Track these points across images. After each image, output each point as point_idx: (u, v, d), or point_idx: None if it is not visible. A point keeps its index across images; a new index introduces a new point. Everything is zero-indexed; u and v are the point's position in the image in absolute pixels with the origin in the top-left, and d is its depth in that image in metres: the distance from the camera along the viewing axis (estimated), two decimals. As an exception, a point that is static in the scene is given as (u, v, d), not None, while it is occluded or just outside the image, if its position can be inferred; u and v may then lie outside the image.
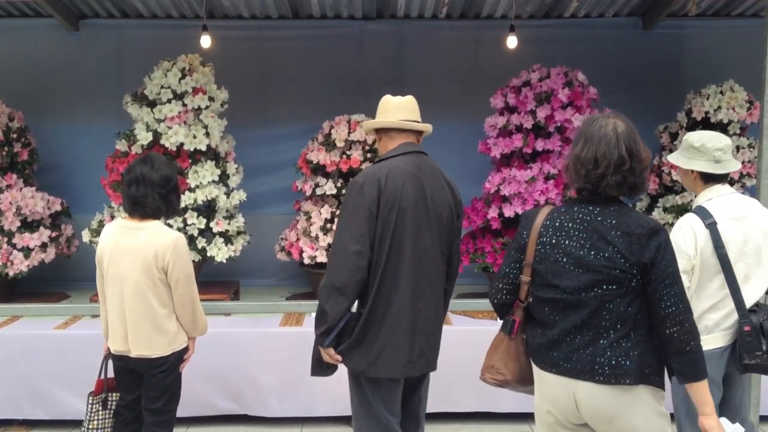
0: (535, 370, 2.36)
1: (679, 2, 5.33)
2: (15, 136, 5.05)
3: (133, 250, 2.93)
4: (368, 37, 5.73)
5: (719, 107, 4.91)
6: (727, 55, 5.53)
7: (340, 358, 2.75)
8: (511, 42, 5.08)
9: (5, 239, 4.82)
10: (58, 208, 5.11)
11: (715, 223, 2.76)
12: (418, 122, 2.94)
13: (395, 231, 2.70)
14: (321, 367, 2.84)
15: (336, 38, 5.69)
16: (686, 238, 2.76)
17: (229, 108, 4.98)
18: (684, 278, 2.66)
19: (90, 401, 3.19)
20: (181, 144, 4.66)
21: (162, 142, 4.63)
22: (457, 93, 5.60)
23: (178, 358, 3.07)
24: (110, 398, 3.20)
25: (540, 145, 4.74)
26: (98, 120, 5.46)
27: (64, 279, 5.38)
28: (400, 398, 2.89)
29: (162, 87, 4.70)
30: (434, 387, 4.33)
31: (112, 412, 3.21)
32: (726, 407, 2.92)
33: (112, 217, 4.79)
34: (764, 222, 2.85)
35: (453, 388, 4.11)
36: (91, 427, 3.19)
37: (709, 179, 2.88)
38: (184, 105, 4.70)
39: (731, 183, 4.96)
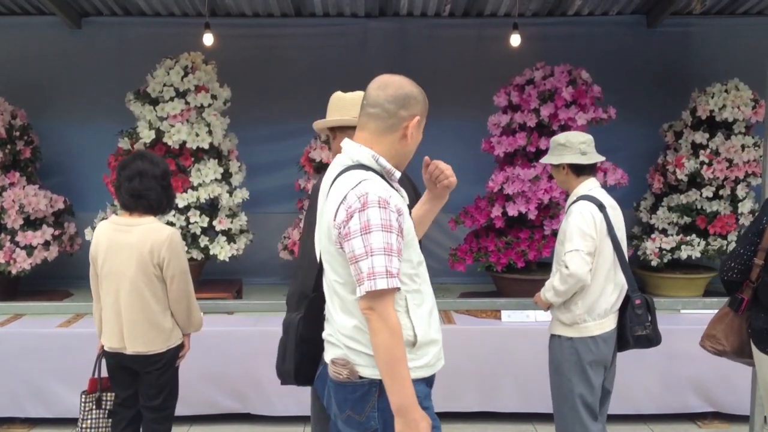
0: (755, 351, 2.52)
1: (683, 0, 5.30)
2: (18, 134, 5.05)
3: (129, 246, 2.91)
4: (371, 35, 5.71)
5: (724, 106, 4.89)
6: (732, 53, 5.50)
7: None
8: (515, 40, 5.06)
9: (8, 237, 4.81)
10: (61, 206, 5.10)
11: (605, 207, 3.00)
12: None
13: None
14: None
15: (339, 36, 5.68)
16: (588, 222, 2.95)
17: (231, 106, 4.97)
18: (588, 259, 2.92)
19: (83, 400, 3.18)
20: (184, 142, 4.65)
21: (165, 140, 4.63)
22: (460, 91, 5.58)
23: (174, 355, 3.05)
24: (105, 398, 3.18)
25: (544, 143, 4.72)
26: (101, 118, 5.45)
27: (67, 277, 5.38)
28: None
29: (164, 85, 4.69)
30: (437, 386, 4.33)
31: (107, 412, 3.19)
32: (603, 387, 3.08)
33: (115, 215, 4.78)
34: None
35: (456, 387, 4.10)
36: (84, 426, 3.18)
37: (581, 172, 3.10)
38: (187, 103, 4.69)
39: (737, 182, 4.94)
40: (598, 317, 2.98)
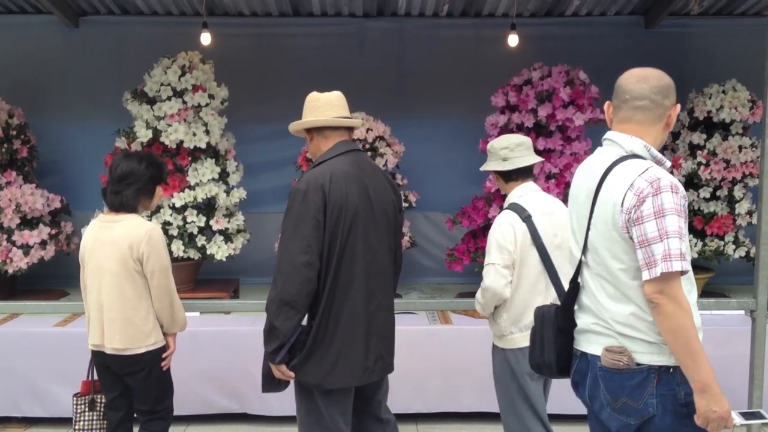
0: None
1: (681, 1, 5.31)
2: (15, 133, 5.04)
3: (111, 242, 2.95)
4: (369, 35, 5.71)
5: (721, 107, 4.89)
6: (729, 54, 5.51)
7: (292, 374, 2.65)
8: (513, 40, 5.06)
9: (5, 236, 4.80)
10: (57, 205, 5.09)
11: (530, 216, 2.92)
12: (350, 118, 2.86)
13: (344, 237, 2.62)
14: (272, 383, 2.74)
15: (336, 36, 5.68)
16: (506, 234, 2.91)
17: (229, 106, 4.96)
18: (506, 273, 2.89)
19: (75, 402, 3.19)
20: (181, 141, 4.64)
21: (162, 139, 4.62)
22: (458, 91, 5.58)
23: (154, 358, 3.02)
24: (98, 400, 3.19)
25: (541, 144, 4.72)
26: (98, 117, 5.44)
27: (64, 276, 5.36)
28: (352, 404, 2.83)
29: (162, 84, 4.68)
30: (435, 387, 4.34)
31: (101, 414, 3.19)
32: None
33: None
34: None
35: (454, 387, 4.10)
36: (77, 428, 3.19)
37: (509, 178, 3.05)
38: (184, 102, 4.69)
39: (734, 182, 4.95)
40: (525, 329, 2.91)
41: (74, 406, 3.20)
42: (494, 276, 2.90)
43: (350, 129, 2.86)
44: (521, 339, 2.93)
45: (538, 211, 2.95)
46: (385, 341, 2.82)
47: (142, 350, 2.98)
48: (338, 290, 2.64)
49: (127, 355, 2.96)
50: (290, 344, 2.62)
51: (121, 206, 3.01)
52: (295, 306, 2.55)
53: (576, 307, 2.21)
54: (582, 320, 2.16)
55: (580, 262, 2.16)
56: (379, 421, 2.96)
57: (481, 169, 3.17)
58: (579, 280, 2.18)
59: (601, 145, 2.23)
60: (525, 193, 3.02)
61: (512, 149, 3.02)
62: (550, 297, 2.94)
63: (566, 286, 2.87)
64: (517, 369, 2.97)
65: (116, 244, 2.93)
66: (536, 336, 2.31)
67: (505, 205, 3.05)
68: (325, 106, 2.81)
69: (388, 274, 2.83)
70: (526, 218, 2.92)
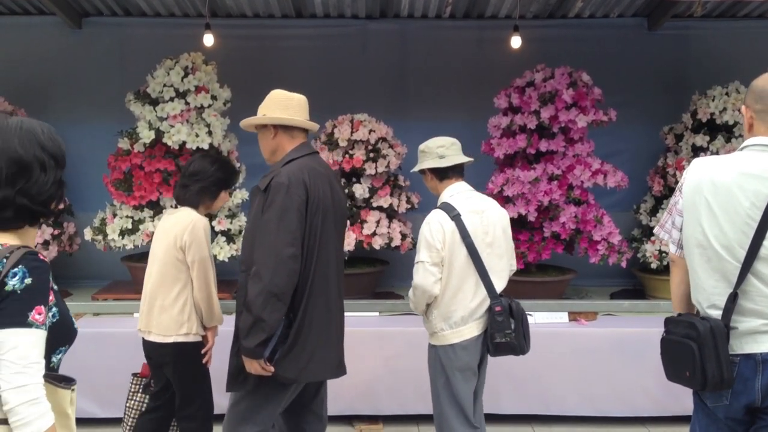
0: None
1: (684, 3, 5.30)
2: None
3: (163, 231, 3.11)
4: (371, 37, 5.71)
5: (725, 109, 4.88)
6: (732, 56, 5.49)
7: (272, 369, 2.64)
8: (515, 42, 5.05)
9: None
10: (60, 205, 5.09)
11: (459, 215, 2.99)
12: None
13: (321, 232, 2.67)
14: (237, 381, 2.72)
15: (339, 37, 5.67)
16: (434, 232, 2.98)
17: (231, 107, 4.96)
18: (435, 270, 2.95)
19: (132, 380, 3.33)
20: (184, 142, 4.64)
21: (164, 140, 4.62)
22: (461, 93, 5.57)
23: (183, 351, 3.05)
24: (152, 385, 3.27)
25: (544, 145, 4.72)
26: (101, 118, 5.45)
27: (67, 277, 5.37)
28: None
29: (165, 85, 4.69)
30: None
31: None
32: (475, 392, 3.15)
33: (114, 215, 4.78)
34: (502, 218, 3.16)
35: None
36: (128, 406, 3.32)
37: (443, 176, 3.14)
38: (187, 103, 4.69)
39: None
40: (455, 325, 3.00)
41: (131, 384, 3.33)
42: (423, 274, 2.97)
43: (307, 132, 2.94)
44: (452, 336, 3.02)
45: (468, 210, 3.03)
46: (342, 337, 2.89)
47: (171, 339, 3.02)
48: (317, 284, 2.68)
49: (158, 343, 3.04)
50: (277, 337, 2.62)
51: (183, 200, 3.15)
52: (281, 298, 2.57)
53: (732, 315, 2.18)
54: (745, 324, 2.15)
55: (743, 268, 2.14)
56: (320, 420, 2.99)
57: (415, 169, 3.22)
58: (742, 286, 2.14)
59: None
60: (456, 192, 3.11)
61: (448, 147, 3.13)
62: (480, 295, 3.02)
63: (497, 284, 3.02)
64: (447, 365, 3.04)
65: (167, 233, 3.06)
66: (710, 354, 2.15)
67: (438, 204, 3.12)
68: (298, 108, 2.87)
69: (342, 274, 2.91)
70: (455, 216, 2.98)
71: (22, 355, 1.56)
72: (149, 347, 3.09)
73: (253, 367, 2.63)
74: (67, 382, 1.71)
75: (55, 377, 1.69)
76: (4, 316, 1.58)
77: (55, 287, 1.76)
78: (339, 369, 2.84)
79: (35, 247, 1.74)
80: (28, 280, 1.61)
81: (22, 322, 1.58)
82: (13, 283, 1.60)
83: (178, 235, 3.01)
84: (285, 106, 2.85)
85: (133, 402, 3.32)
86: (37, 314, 1.60)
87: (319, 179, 2.70)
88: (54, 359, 1.74)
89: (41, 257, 1.69)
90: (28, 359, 1.57)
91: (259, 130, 2.92)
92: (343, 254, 2.96)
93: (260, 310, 2.54)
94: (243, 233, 2.87)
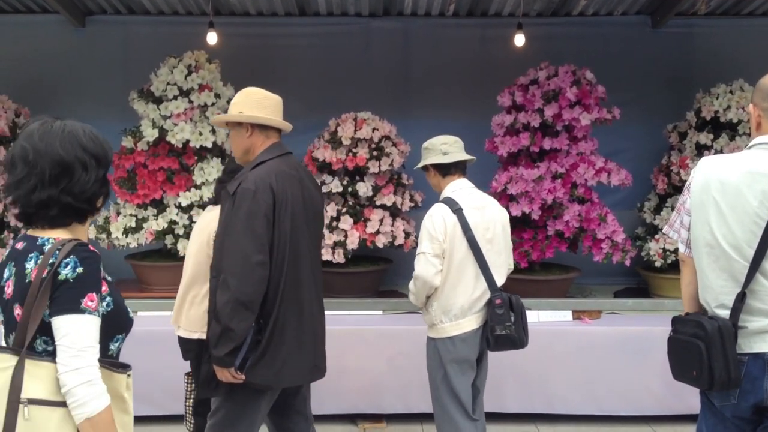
0: None
1: (688, 1, 5.29)
2: (21, 131, 5.05)
3: (199, 228, 3.15)
4: (375, 35, 5.70)
5: (729, 107, 4.87)
6: (736, 54, 5.48)
7: (243, 377, 2.60)
8: (519, 40, 5.04)
9: (11, 235, 4.82)
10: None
11: (461, 209, 3.05)
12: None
13: (291, 236, 2.63)
14: (210, 388, 2.70)
15: (342, 35, 5.67)
16: (436, 225, 3.03)
17: (235, 105, 4.96)
18: (436, 261, 3.01)
19: (185, 380, 3.33)
20: (187, 141, 4.65)
21: (168, 138, 4.62)
22: (464, 91, 5.57)
23: (205, 348, 3.03)
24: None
25: (547, 143, 4.71)
26: (104, 116, 5.43)
27: (70, 275, 5.38)
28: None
29: (168, 84, 4.69)
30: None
31: None
32: (474, 385, 3.17)
33: (118, 214, 4.78)
34: (502, 216, 3.21)
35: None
36: (187, 404, 3.33)
37: (446, 173, 3.20)
38: (190, 102, 4.69)
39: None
40: (455, 318, 3.05)
41: (185, 384, 3.33)
42: (424, 264, 3.02)
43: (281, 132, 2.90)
44: (451, 328, 3.05)
45: (470, 205, 3.09)
46: (322, 339, 2.87)
47: (196, 336, 3.02)
48: (289, 289, 2.64)
49: (183, 338, 3.08)
50: (247, 345, 2.59)
51: (220, 199, 3.11)
52: (250, 307, 2.52)
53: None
54: (753, 324, 2.14)
55: (751, 267, 2.13)
56: (305, 419, 2.98)
57: (419, 166, 3.28)
58: (750, 286, 2.13)
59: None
60: (459, 188, 3.16)
61: (451, 144, 3.20)
62: (480, 288, 3.05)
63: (497, 278, 3.05)
64: (445, 357, 3.07)
65: (201, 230, 3.10)
66: (718, 354, 2.14)
67: (440, 199, 3.17)
68: (275, 107, 2.83)
69: (320, 274, 2.89)
70: (457, 210, 3.04)
71: (77, 339, 1.65)
72: (179, 341, 3.13)
73: (224, 375, 2.60)
74: (123, 368, 1.78)
75: (111, 363, 1.76)
76: (58, 304, 1.67)
77: (109, 278, 1.83)
78: (314, 373, 2.79)
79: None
80: (79, 269, 1.70)
81: (76, 308, 1.67)
82: (65, 273, 1.68)
83: (210, 232, 2.99)
84: (263, 105, 2.78)
85: (191, 401, 3.32)
86: (89, 301, 1.69)
87: (287, 182, 2.65)
88: (112, 347, 1.82)
89: (91, 249, 1.77)
90: (83, 343, 1.66)
91: (232, 128, 2.83)
92: (320, 254, 2.95)
93: (228, 320, 2.49)
94: (213, 237, 2.81)
